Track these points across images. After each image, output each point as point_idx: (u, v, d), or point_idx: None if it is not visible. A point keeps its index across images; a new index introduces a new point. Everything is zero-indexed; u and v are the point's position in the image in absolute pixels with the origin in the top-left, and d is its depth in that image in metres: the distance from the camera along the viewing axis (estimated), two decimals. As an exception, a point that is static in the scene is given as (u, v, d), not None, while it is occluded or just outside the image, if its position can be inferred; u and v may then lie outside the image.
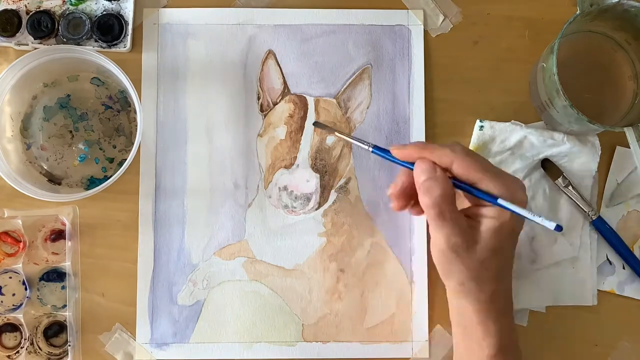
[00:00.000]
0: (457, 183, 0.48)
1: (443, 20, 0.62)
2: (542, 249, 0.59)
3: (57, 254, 0.60)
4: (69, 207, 0.59)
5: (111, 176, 0.55)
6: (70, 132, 0.61)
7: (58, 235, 0.60)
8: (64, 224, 0.59)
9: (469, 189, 0.48)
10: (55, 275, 0.59)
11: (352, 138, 0.53)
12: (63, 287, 0.59)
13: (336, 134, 0.55)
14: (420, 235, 0.60)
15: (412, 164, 0.49)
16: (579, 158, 0.59)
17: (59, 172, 0.61)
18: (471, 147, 0.60)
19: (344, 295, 0.60)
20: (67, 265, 0.58)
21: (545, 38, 0.60)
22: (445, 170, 0.48)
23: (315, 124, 0.59)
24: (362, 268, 0.60)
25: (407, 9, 0.62)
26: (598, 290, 0.60)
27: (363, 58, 0.62)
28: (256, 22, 0.62)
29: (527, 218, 0.46)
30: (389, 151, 0.50)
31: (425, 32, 0.62)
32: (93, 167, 0.61)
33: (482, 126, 0.60)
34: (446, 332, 0.59)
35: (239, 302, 0.59)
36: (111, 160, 0.61)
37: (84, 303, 0.59)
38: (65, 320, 0.59)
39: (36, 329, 0.59)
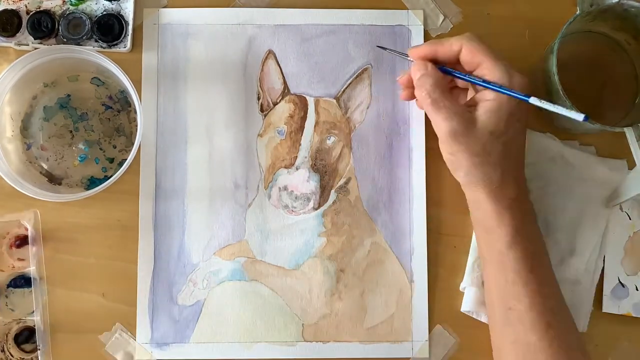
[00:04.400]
0: (454, 73, 0.53)
1: (443, 20, 0.62)
2: None
3: (22, 259, 0.59)
4: (30, 211, 0.59)
5: (111, 176, 0.55)
6: (71, 132, 0.61)
7: (23, 241, 0.60)
8: (27, 230, 0.59)
9: (464, 76, 0.52)
10: (23, 281, 0.59)
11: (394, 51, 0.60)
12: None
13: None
14: (420, 235, 0.60)
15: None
16: (605, 184, 0.60)
17: (59, 172, 0.61)
18: None
19: (344, 295, 0.60)
20: (31, 270, 0.58)
21: (545, 38, 0.60)
22: (455, 64, 0.53)
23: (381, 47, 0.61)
24: (362, 268, 0.60)
25: (407, 9, 0.62)
26: (614, 314, 0.59)
27: (363, 58, 0.62)
28: (256, 22, 0.62)
29: (519, 97, 0.49)
30: (405, 54, 0.56)
31: (425, 32, 0.62)
32: (93, 167, 0.61)
33: None
34: (446, 332, 0.60)
35: (239, 302, 0.59)
36: (111, 160, 0.61)
37: (83, 303, 0.59)
38: (34, 325, 0.58)
39: (6, 336, 0.59)
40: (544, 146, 0.60)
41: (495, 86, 0.50)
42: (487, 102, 0.50)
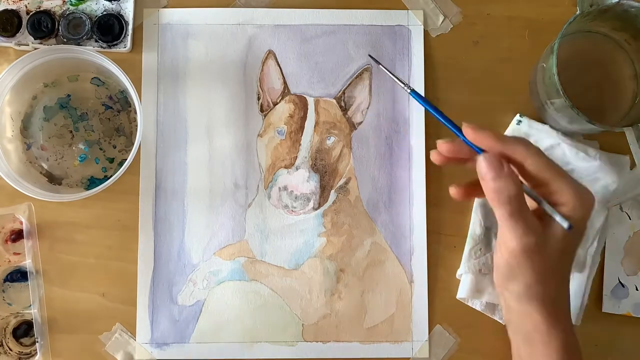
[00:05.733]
0: (537, 198, 0.47)
1: (443, 20, 0.62)
2: None
3: (18, 254, 0.60)
4: (24, 204, 0.59)
5: (111, 176, 0.55)
6: (71, 132, 0.61)
7: (18, 235, 0.60)
8: (22, 223, 0.59)
9: (535, 196, 0.46)
10: (19, 275, 0.59)
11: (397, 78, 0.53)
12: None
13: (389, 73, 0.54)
14: (420, 235, 0.60)
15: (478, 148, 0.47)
16: (602, 180, 0.59)
17: (59, 172, 0.61)
18: None
19: (344, 295, 0.60)
20: (28, 263, 0.58)
21: (545, 38, 0.60)
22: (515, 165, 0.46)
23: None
24: (362, 268, 0.60)
25: (407, 9, 0.62)
26: (614, 314, 0.59)
27: (363, 58, 0.62)
28: (256, 22, 0.62)
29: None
30: (460, 130, 0.48)
31: (425, 32, 0.62)
32: (93, 167, 0.61)
33: (520, 121, 0.60)
34: (446, 332, 0.60)
35: (239, 302, 0.59)
36: (111, 160, 0.61)
37: (83, 303, 0.59)
38: (32, 319, 0.58)
39: (5, 330, 0.59)
40: (546, 137, 0.59)
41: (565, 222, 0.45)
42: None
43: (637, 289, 0.60)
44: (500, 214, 0.46)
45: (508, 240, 0.46)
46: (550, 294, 0.48)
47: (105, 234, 0.60)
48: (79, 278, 0.59)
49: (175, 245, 0.60)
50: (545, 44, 0.59)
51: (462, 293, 0.59)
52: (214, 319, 0.59)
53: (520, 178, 0.46)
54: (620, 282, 0.60)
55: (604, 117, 0.59)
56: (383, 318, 0.59)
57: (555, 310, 0.48)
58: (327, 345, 0.59)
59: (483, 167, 0.46)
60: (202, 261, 0.60)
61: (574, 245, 0.48)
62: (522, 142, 0.46)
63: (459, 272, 0.59)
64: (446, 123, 0.48)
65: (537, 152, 0.46)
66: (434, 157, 0.49)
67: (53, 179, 0.61)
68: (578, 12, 0.54)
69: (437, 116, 0.49)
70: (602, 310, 0.59)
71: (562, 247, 0.47)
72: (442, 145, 0.48)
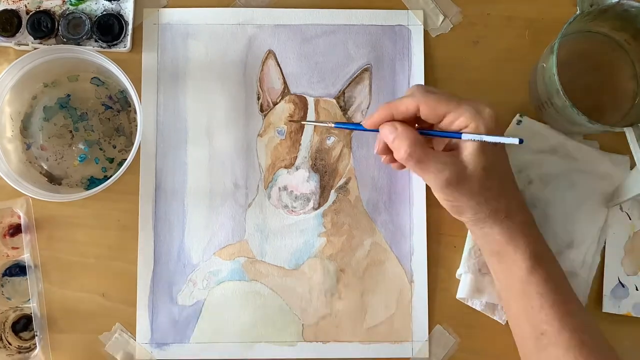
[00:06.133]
0: (423, 131, 0.51)
1: (443, 20, 0.62)
2: None
3: (17, 248, 0.60)
4: (22, 198, 0.59)
5: (111, 176, 0.55)
6: (70, 132, 0.61)
7: (16, 229, 0.60)
8: (20, 218, 0.59)
9: (433, 132, 0.50)
10: (18, 270, 0.60)
11: (313, 121, 0.59)
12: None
13: (302, 122, 0.60)
14: (420, 235, 0.60)
15: None
16: (602, 180, 0.59)
17: (59, 172, 0.61)
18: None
19: (344, 295, 0.60)
20: (26, 257, 0.59)
21: (545, 38, 0.60)
22: (413, 120, 0.50)
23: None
24: (362, 268, 0.60)
25: (407, 9, 0.62)
26: (614, 314, 0.59)
27: (363, 58, 0.62)
28: (256, 22, 0.62)
29: (489, 141, 0.48)
30: (357, 124, 0.54)
31: (425, 32, 0.62)
32: (93, 167, 0.61)
33: (520, 121, 0.60)
34: (446, 332, 0.60)
35: (239, 302, 0.59)
36: (111, 160, 0.61)
37: (83, 303, 0.59)
38: (31, 313, 0.59)
39: (4, 325, 0.59)
40: (546, 137, 0.60)
41: (472, 136, 0.48)
42: (470, 143, 0.49)
43: (637, 289, 0.60)
44: (410, 167, 0.50)
45: (430, 183, 0.50)
46: (498, 210, 0.51)
47: (105, 234, 0.60)
48: (79, 278, 0.59)
49: (175, 245, 0.60)
50: (545, 44, 0.59)
51: (462, 293, 0.59)
52: (214, 319, 0.59)
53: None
54: (620, 282, 0.60)
55: (604, 117, 0.59)
56: (383, 318, 0.59)
57: (511, 224, 0.52)
58: (327, 345, 0.59)
59: (383, 135, 0.50)
60: (202, 261, 0.60)
61: (498, 158, 0.51)
62: (410, 95, 0.50)
63: (459, 272, 0.59)
64: (358, 128, 0.53)
65: (425, 94, 0.49)
66: (384, 160, 0.53)
67: (53, 179, 0.61)
68: (578, 12, 0.54)
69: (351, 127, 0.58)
70: (602, 310, 0.59)
71: (482, 165, 0.49)
72: (378, 150, 0.53)
